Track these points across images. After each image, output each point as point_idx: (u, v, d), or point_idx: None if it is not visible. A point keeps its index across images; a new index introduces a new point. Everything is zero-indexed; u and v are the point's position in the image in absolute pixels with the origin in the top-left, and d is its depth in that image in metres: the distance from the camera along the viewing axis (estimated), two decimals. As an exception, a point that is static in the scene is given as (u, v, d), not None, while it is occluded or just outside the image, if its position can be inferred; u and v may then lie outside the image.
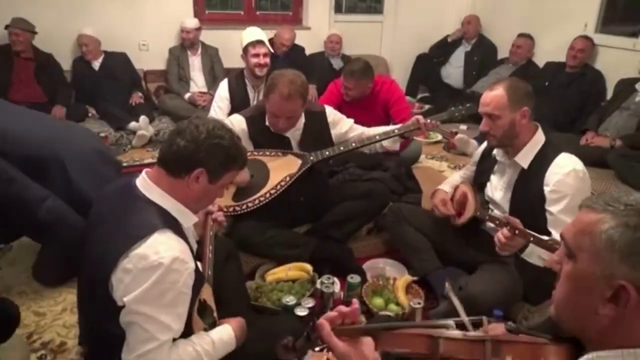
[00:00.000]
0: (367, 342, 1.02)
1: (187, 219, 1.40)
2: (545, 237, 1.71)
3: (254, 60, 3.08)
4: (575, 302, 0.84)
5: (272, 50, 3.23)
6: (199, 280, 1.39)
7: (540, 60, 4.80)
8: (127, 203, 1.33)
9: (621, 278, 0.76)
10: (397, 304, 2.09)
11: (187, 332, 1.35)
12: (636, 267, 0.75)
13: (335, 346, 1.00)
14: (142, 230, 1.24)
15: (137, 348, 1.22)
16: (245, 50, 3.12)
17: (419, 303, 2.01)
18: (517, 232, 1.66)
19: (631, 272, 0.76)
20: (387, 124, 3.66)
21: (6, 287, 2.29)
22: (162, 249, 1.22)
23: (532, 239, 1.67)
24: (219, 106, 3.18)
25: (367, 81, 3.22)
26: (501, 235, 1.71)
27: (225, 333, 1.44)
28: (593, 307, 0.80)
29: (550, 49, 4.62)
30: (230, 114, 3.24)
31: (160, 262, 1.20)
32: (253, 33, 3.18)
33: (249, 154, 2.29)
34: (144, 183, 1.35)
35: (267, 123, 2.33)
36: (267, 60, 3.12)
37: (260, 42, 3.10)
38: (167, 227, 1.27)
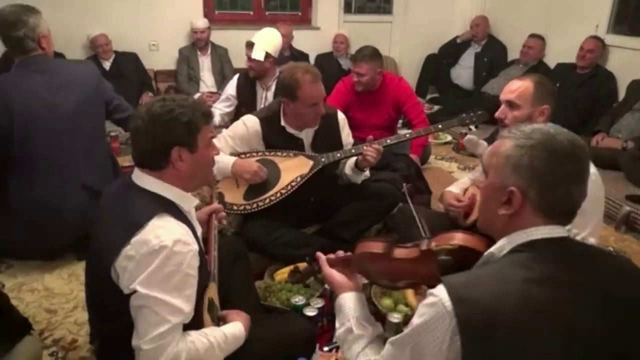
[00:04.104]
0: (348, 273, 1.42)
1: (187, 202, 1.43)
2: None
3: (249, 63, 3.22)
4: (486, 208, 1.15)
5: (268, 56, 3.23)
6: (204, 266, 1.41)
7: (551, 61, 4.78)
8: (125, 196, 1.36)
9: (512, 185, 1.03)
10: (406, 304, 2.08)
11: (198, 329, 1.36)
12: (521, 176, 1.02)
13: (323, 269, 1.45)
14: (141, 217, 1.26)
15: (149, 331, 1.23)
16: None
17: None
18: None
19: (518, 179, 1.02)
20: (396, 123, 3.68)
21: (17, 284, 2.32)
22: (162, 232, 1.24)
23: None
24: (222, 99, 3.42)
25: (378, 64, 3.23)
26: None
27: (238, 330, 1.45)
28: (496, 210, 1.07)
29: (562, 50, 4.59)
30: (238, 110, 3.29)
31: (161, 245, 1.22)
32: (256, 34, 3.25)
33: (260, 154, 2.33)
34: (139, 176, 1.38)
35: (282, 123, 2.34)
36: (253, 65, 3.21)
37: (250, 45, 3.22)
38: (166, 212, 1.30)
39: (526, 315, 0.92)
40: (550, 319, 0.93)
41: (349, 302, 1.34)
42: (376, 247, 1.35)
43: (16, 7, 2.27)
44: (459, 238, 1.21)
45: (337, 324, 1.34)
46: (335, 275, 1.42)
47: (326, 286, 2.09)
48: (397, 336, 1.08)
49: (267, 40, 3.20)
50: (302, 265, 1.73)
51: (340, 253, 1.50)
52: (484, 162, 1.14)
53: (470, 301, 0.93)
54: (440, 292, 0.97)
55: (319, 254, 1.49)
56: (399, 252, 1.32)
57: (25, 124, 2.25)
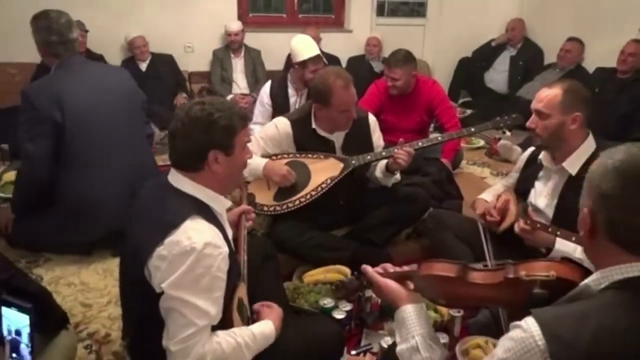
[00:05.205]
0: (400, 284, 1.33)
1: (220, 204, 1.45)
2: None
3: (310, 75, 3.09)
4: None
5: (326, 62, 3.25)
6: (234, 267, 1.42)
7: (590, 65, 4.64)
8: (160, 196, 1.39)
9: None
10: (436, 311, 2.06)
11: (227, 329, 1.37)
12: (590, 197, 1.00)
13: (376, 280, 1.35)
14: (175, 219, 1.28)
15: (177, 334, 1.25)
16: (303, 63, 3.14)
17: (459, 312, 1.98)
18: (539, 226, 1.83)
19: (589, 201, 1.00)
20: (428, 126, 3.64)
21: (55, 277, 2.39)
22: (194, 234, 1.26)
23: (573, 238, 1.75)
24: (259, 110, 3.35)
25: (412, 68, 3.21)
26: (516, 226, 1.91)
27: (267, 328, 1.46)
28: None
29: (601, 54, 4.45)
30: (273, 115, 3.32)
31: (192, 246, 1.24)
32: (310, 47, 3.18)
33: (291, 156, 2.34)
34: (174, 177, 1.40)
35: (313, 126, 2.35)
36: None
37: (319, 58, 3.15)
38: (199, 214, 1.32)
39: None
40: None
41: (412, 315, 1.26)
42: (447, 269, 1.28)
43: (57, 11, 2.36)
44: (555, 269, 1.13)
45: (397, 338, 1.28)
46: (393, 285, 1.33)
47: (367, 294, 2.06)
48: None
49: (316, 46, 3.21)
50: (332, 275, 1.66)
51: (389, 267, 1.42)
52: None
53: (567, 340, 0.87)
54: (530, 326, 0.90)
55: (366, 267, 1.42)
56: (476, 276, 1.26)
57: (74, 121, 2.33)
